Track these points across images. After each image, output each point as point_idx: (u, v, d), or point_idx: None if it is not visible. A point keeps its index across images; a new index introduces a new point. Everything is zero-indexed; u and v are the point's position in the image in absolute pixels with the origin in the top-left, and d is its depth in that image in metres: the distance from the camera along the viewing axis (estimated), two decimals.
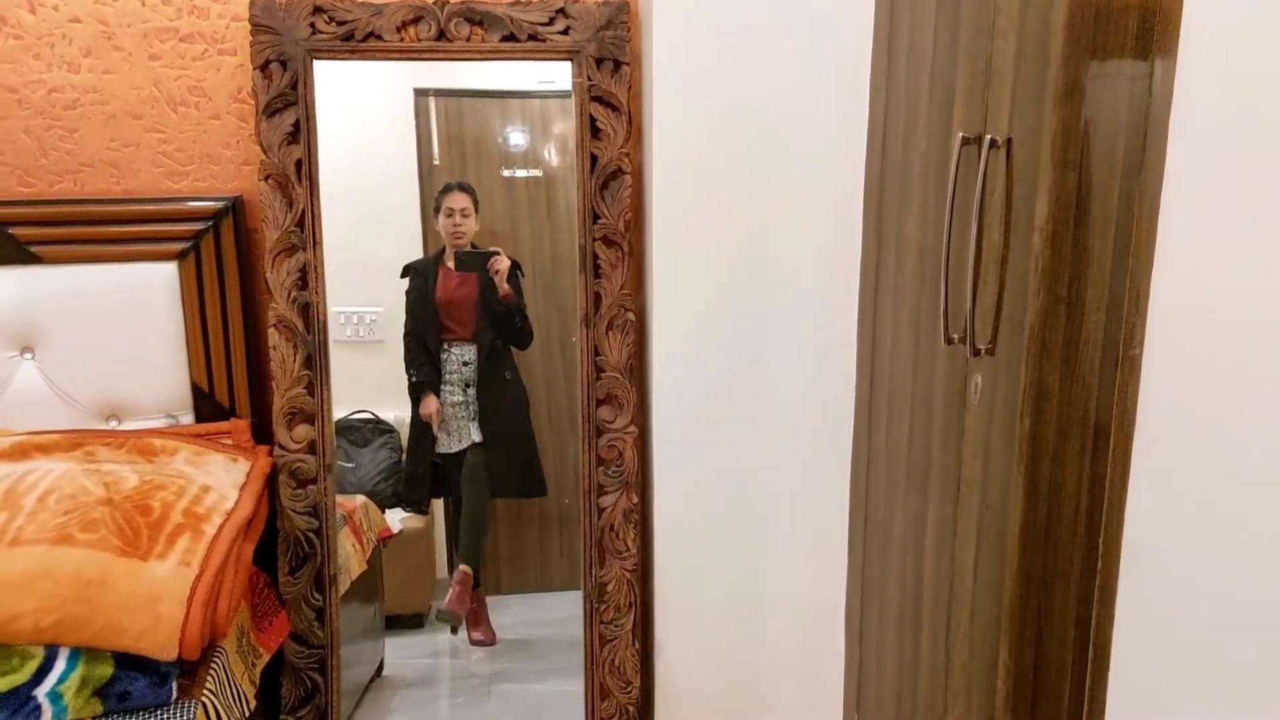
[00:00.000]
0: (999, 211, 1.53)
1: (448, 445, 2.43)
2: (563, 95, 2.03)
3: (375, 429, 2.49)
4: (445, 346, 2.38)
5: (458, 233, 2.32)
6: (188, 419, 1.99)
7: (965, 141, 1.59)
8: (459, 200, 2.31)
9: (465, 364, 2.37)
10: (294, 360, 1.97)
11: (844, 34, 1.87)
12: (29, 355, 1.94)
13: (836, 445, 1.99)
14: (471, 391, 2.38)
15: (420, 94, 2.28)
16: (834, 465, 2.01)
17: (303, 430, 2.00)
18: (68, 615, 1.43)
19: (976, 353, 1.62)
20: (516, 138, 2.35)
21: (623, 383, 2.03)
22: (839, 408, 1.96)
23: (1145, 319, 1.14)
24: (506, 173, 2.35)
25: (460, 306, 2.36)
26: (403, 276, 2.37)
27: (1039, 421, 1.50)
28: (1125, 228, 1.22)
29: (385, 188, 2.35)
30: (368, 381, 2.42)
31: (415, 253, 2.38)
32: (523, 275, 2.35)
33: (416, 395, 2.40)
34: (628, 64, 1.94)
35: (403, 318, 2.38)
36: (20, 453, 1.72)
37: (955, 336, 1.63)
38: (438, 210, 2.34)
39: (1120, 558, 1.24)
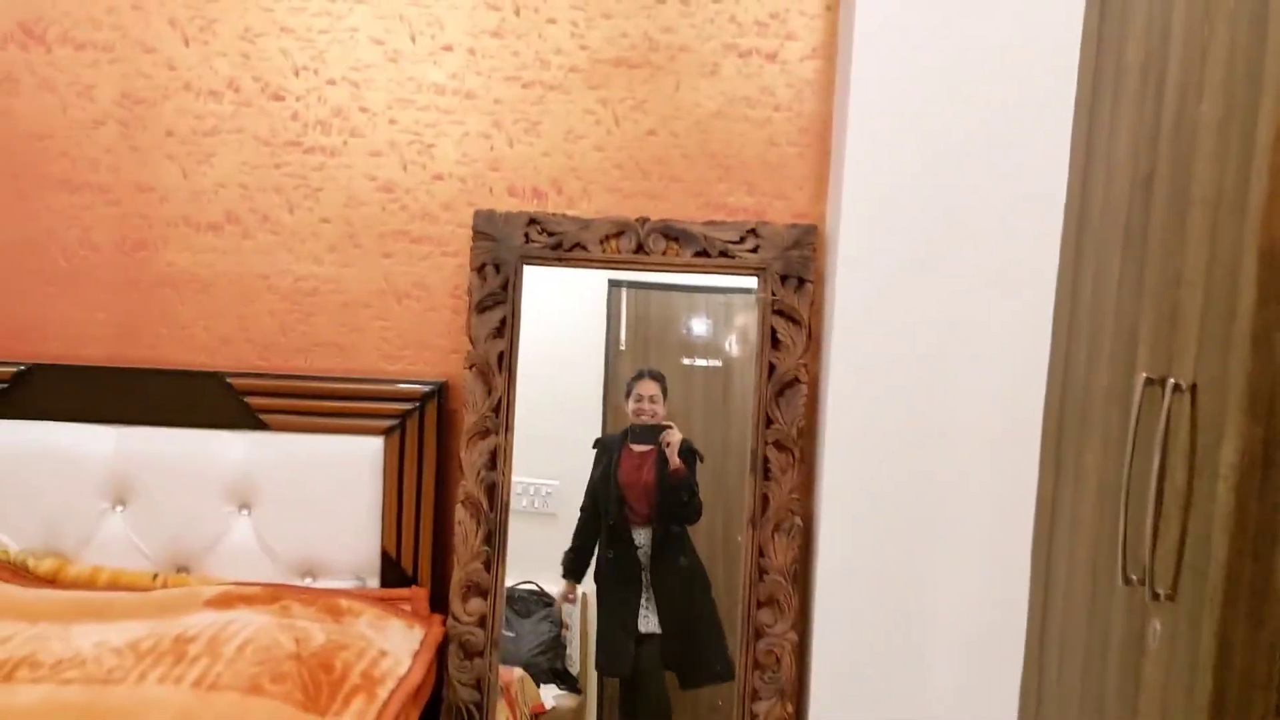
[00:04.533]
0: (1184, 455, 1.51)
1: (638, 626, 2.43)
2: (745, 292, 2.14)
3: (539, 601, 2.52)
4: (626, 529, 2.41)
5: (643, 416, 2.36)
6: (373, 582, 2.12)
7: (1149, 382, 1.58)
8: (649, 388, 2.38)
9: (638, 547, 2.40)
10: (476, 536, 2.08)
11: (1023, 264, 1.91)
12: (246, 512, 2.14)
13: (1003, 681, 1.91)
14: (645, 576, 2.41)
15: (614, 285, 2.40)
16: (999, 703, 1.93)
17: (476, 604, 2.09)
18: None
19: (1156, 597, 1.56)
20: (699, 328, 2.43)
21: (785, 587, 2.03)
22: (1008, 639, 1.89)
23: None
24: (687, 361, 2.42)
25: (637, 487, 2.41)
26: (593, 448, 2.46)
27: (1222, 677, 1.42)
28: None
29: (573, 369, 2.44)
30: (537, 553, 2.45)
31: (595, 431, 2.46)
32: (701, 460, 2.37)
33: (573, 571, 2.43)
34: (811, 282, 2.04)
35: (576, 493, 2.45)
36: (226, 602, 1.87)
37: (1134, 577, 1.58)
38: (628, 395, 2.42)
39: None
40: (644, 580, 2.37)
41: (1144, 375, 1.60)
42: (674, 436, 2.31)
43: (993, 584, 1.93)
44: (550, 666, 2.48)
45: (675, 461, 2.32)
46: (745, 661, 2.04)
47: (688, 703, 2.47)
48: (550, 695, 2.45)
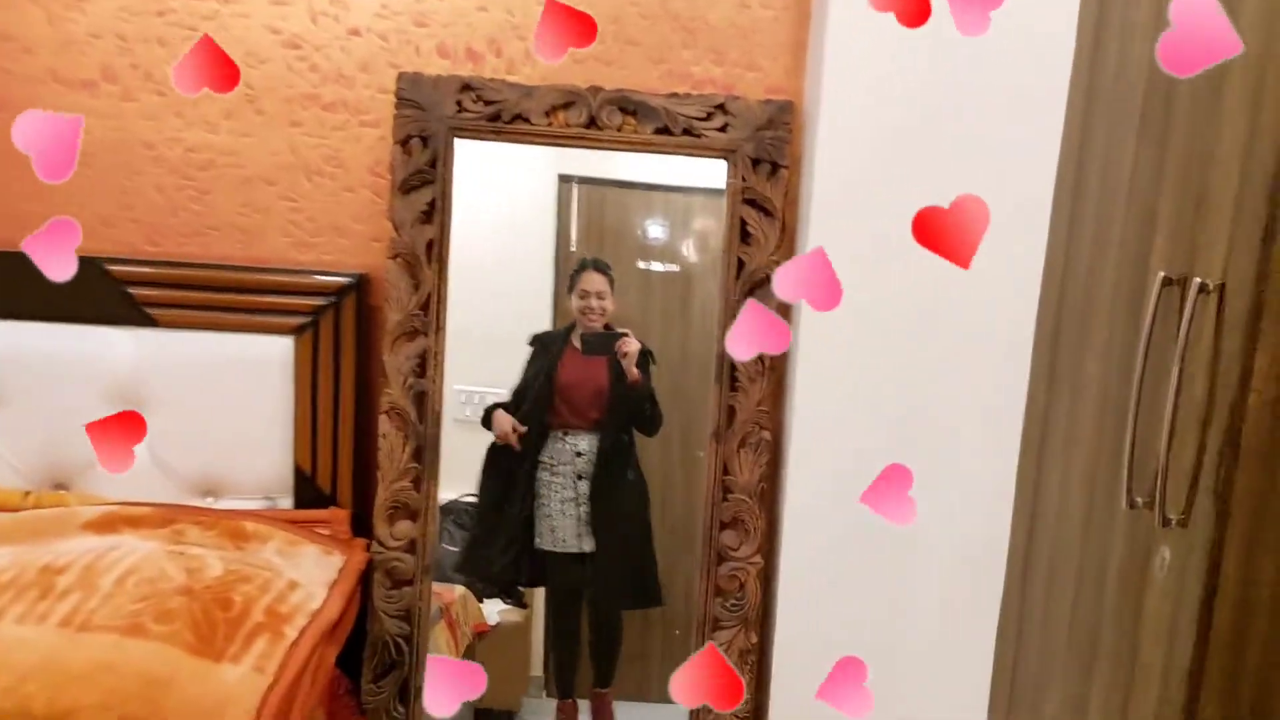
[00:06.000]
0: (1204, 364, 1.39)
1: (550, 542, 2.28)
2: (706, 192, 1.98)
3: None
4: (557, 435, 2.24)
5: (591, 316, 2.21)
6: (286, 502, 1.97)
7: (1168, 282, 1.45)
8: (595, 282, 2.19)
9: (579, 455, 2.23)
10: (403, 451, 1.89)
11: (1026, 145, 1.77)
12: None
13: (984, 606, 1.82)
14: (584, 486, 2.25)
15: (565, 180, 2.27)
16: (979, 628, 1.83)
17: (404, 527, 1.91)
18: (127, 715, 1.35)
19: (1166, 523, 1.46)
20: (656, 231, 2.31)
21: (751, 507, 1.90)
22: (994, 564, 1.79)
23: None
24: (643, 265, 2.29)
25: (583, 391, 2.24)
26: (530, 345, 2.28)
27: (1241, 614, 1.32)
28: None
29: (520, 270, 2.33)
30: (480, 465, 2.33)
31: None
32: (654, 362, 2.21)
33: (489, 426, 2.23)
34: (786, 167, 1.86)
35: None
36: (109, 525, 1.68)
37: (1140, 500, 1.47)
38: (571, 289, 2.23)
39: None
40: (580, 491, 2.20)
41: (1161, 274, 1.48)
42: (631, 346, 2.15)
43: (980, 503, 1.85)
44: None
45: (634, 374, 2.15)
46: (705, 587, 1.91)
47: (639, 631, 2.38)
48: (495, 611, 2.40)
